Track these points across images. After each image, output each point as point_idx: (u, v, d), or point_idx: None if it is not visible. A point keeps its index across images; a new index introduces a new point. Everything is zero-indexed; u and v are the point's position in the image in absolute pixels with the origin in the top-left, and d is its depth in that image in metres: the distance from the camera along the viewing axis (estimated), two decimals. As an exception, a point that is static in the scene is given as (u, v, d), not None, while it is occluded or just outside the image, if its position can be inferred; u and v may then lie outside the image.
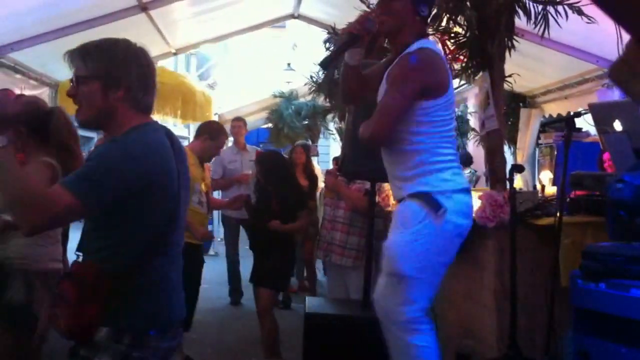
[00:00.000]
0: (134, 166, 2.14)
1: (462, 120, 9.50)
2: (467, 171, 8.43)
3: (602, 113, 4.54)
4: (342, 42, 3.42)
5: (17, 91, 6.41)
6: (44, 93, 7.67)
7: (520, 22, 4.56)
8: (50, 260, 3.56)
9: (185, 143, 5.89)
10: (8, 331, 3.31)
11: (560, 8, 4.35)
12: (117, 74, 2.23)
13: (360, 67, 3.46)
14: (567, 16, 4.33)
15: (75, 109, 2.28)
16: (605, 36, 2.66)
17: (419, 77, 3.17)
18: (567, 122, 3.99)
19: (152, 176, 2.17)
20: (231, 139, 8.70)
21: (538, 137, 7.26)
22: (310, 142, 10.96)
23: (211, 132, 5.19)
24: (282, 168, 5.55)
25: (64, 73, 7.50)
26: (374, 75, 3.49)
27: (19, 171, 2.10)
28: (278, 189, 5.29)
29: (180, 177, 2.31)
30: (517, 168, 4.18)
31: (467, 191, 3.31)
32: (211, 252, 11.70)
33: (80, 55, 2.25)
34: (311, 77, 8.54)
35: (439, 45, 4.93)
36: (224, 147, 7.33)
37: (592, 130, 5.26)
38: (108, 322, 2.16)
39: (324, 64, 3.64)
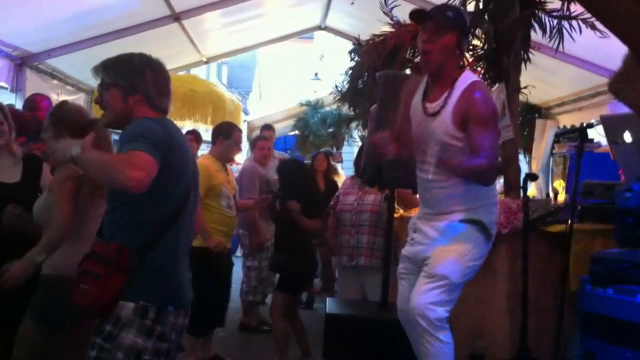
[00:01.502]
0: (156, 129, 2.45)
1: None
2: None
3: (612, 125, 4.62)
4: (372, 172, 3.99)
5: (54, 96, 6.66)
6: (80, 98, 7.90)
7: (536, 35, 4.66)
8: None
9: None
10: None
11: (574, 23, 4.45)
12: (134, 80, 2.59)
13: None
14: (580, 30, 4.43)
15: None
16: (618, 50, 2.77)
17: (496, 111, 3.41)
18: (579, 133, 4.07)
19: (172, 141, 2.48)
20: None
21: (552, 147, 7.35)
22: (334, 149, 11.12)
23: (224, 132, 5.33)
24: (301, 176, 5.62)
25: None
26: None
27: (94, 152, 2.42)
28: (298, 196, 5.34)
29: (191, 165, 2.64)
30: (531, 177, 4.28)
31: (496, 205, 3.58)
32: (238, 253, 11.82)
33: (103, 68, 2.63)
34: (336, 86, 8.69)
35: None
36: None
37: (604, 141, 5.34)
38: (134, 298, 2.40)
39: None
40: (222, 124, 5.78)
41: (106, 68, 2.62)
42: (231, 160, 5.74)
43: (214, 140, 5.38)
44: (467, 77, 3.36)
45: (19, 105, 5.85)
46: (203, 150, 8.64)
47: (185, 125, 9.86)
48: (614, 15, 1.60)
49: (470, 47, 4.80)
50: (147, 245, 2.43)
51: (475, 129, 3.26)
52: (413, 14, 3.45)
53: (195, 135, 7.84)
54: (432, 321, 3.28)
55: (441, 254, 3.35)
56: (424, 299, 3.32)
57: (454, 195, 3.39)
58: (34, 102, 5.61)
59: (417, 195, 5.21)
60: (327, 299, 5.17)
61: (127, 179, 2.25)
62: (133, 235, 2.44)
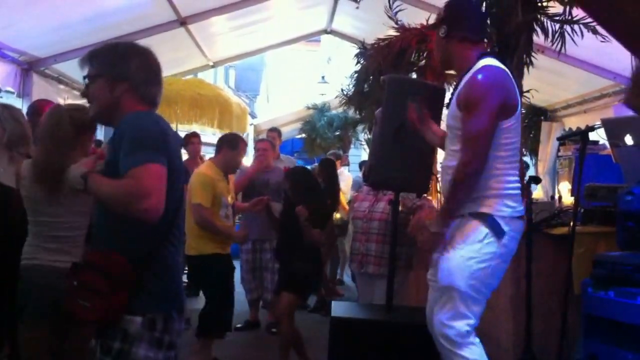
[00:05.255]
0: (151, 128, 2.35)
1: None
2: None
3: (614, 127, 4.64)
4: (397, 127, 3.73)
5: (61, 101, 6.71)
6: (86, 103, 7.94)
7: (541, 39, 4.68)
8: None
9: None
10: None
11: (576, 27, 4.47)
12: (118, 69, 2.45)
13: (443, 138, 3.49)
14: (582, 34, 4.46)
15: None
16: (622, 53, 2.78)
17: (495, 94, 3.10)
18: (581, 136, 4.07)
19: (166, 137, 2.38)
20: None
21: (558, 150, 7.35)
22: (341, 152, 11.18)
23: (229, 143, 5.37)
24: (310, 183, 5.65)
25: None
26: None
27: (103, 184, 2.37)
28: (306, 203, 5.35)
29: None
30: (534, 179, 4.27)
31: (522, 218, 3.28)
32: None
33: (88, 59, 2.51)
34: (342, 90, 8.72)
35: None
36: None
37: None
38: (141, 311, 2.33)
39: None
40: (229, 135, 5.81)
41: (90, 59, 2.50)
42: (234, 171, 5.80)
43: (219, 149, 5.43)
44: (481, 63, 3.20)
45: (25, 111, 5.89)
46: (209, 154, 8.69)
47: (193, 129, 9.93)
48: (620, 26, 1.63)
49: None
50: (150, 254, 2.35)
51: (463, 116, 3.14)
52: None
53: (199, 137, 7.96)
54: (452, 339, 3.12)
55: (445, 262, 3.18)
56: (439, 317, 3.19)
57: None
58: (38, 107, 5.63)
59: (422, 201, 5.30)
60: (332, 302, 5.19)
61: (141, 211, 2.21)
62: (134, 245, 2.35)
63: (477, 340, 3.16)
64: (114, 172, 2.33)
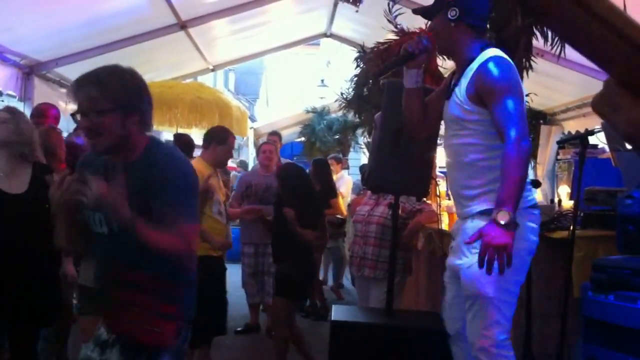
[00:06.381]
0: (193, 174, 2.54)
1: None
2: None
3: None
4: (398, 57, 3.46)
5: (62, 105, 6.72)
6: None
7: (539, 42, 4.68)
8: None
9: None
10: None
11: (575, 31, 4.47)
12: (133, 102, 2.42)
13: (421, 90, 3.41)
14: (582, 38, 4.46)
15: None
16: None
17: (516, 76, 3.09)
18: (581, 140, 4.05)
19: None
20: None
21: (557, 153, 7.36)
22: (341, 155, 11.20)
23: (218, 138, 5.15)
24: (302, 181, 5.59)
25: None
26: (434, 102, 3.47)
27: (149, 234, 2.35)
28: (297, 202, 5.29)
29: None
30: (534, 183, 4.27)
31: (536, 207, 3.18)
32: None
33: (96, 87, 2.36)
34: (341, 93, 8.73)
35: None
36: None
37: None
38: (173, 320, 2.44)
39: (378, 74, 3.73)
40: (216, 129, 5.56)
41: (100, 87, 2.36)
42: (223, 166, 5.68)
43: (208, 145, 5.18)
44: (487, 54, 3.10)
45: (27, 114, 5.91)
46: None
47: (193, 132, 9.94)
48: (595, 47, 1.66)
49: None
50: (179, 265, 2.46)
51: (491, 104, 3.00)
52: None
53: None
54: (487, 350, 3.02)
55: (469, 270, 3.06)
56: (474, 330, 3.09)
57: (470, 177, 3.14)
58: (42, 110, 5.65)
59: (421, 205, 5.31)
60: (333, 305, 5.19)
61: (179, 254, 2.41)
62: (163, 261, 2.40)
63: (511, 353, 3.06)
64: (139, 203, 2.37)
